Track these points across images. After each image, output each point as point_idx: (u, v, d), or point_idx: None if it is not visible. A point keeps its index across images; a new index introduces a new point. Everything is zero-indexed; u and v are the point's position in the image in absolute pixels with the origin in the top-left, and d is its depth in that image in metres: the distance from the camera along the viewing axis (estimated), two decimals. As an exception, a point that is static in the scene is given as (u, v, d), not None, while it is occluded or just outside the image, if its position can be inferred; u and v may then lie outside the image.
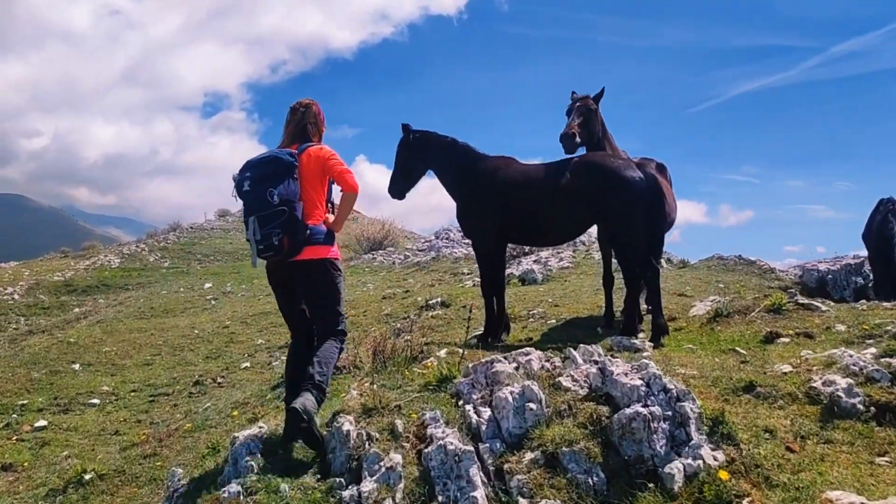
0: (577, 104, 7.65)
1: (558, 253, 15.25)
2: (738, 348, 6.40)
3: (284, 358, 10.43)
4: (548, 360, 4.51)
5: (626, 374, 4.00)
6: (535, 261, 14.52)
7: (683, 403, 3.79)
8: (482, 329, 7.62)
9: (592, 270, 13.80)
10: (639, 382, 3.87)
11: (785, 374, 4.71)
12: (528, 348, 4.70)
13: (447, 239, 24.96)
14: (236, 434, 4.81)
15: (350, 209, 5.00)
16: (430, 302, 11.15)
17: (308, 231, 4.62)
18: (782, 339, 6.45)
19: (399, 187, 7.51)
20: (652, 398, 3.79)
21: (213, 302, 17.15)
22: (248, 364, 9.84)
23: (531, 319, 8.98)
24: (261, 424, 5.74)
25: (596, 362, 4.33)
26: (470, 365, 4.65)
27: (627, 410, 3.70)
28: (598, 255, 15.84)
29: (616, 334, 7.83)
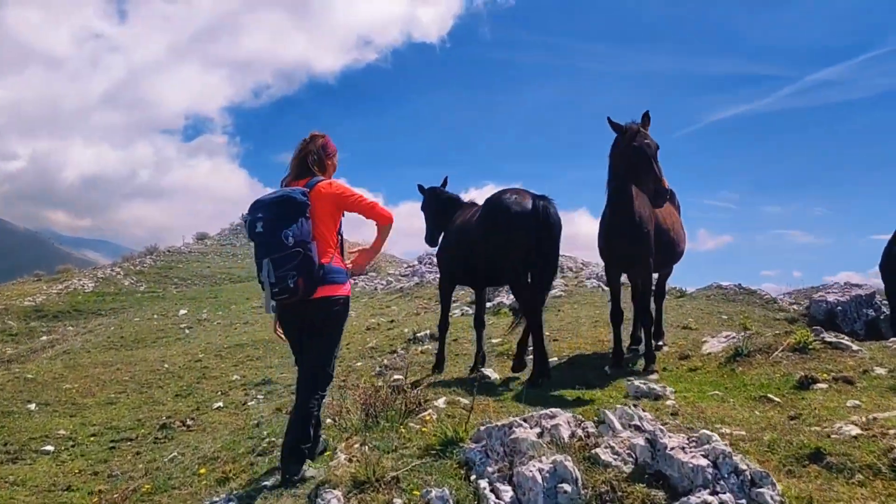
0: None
1: (549, 280, 14.44)
2: (770, 394, 5.63)
3: (261, 396, 9.55)
4: (579, 425, 3.68)
5: (684, 450, 3.17)
6: (524, 289, 13.69)
7: (762, 490, 2.96)
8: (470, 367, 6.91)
9: (586, 300, 13.02)
10: (703, 462, 3.04)
11: (855, 437, 3.91)
12: (553, 409, 3.85)
13: (431, 264, 24.13)
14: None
15: (386, 238, 4.88)
16: (419, 335, 10.28)
17: (322, 271, 4.47)
18: (819, 385, 5.69)
19: (430, 235, 8.49)
20: (721, 482, 2.97)
21: (186, 331, 16.12)
22: (220, 404, 8.87)
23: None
24: (232, 488, 4.87)
25: (639, 429, 3.50)
26: (482, 428, 3.80)
27: (692, 499, 2.87)
28: (589, 284, 15.09)
29: (626, 374, 7.06)
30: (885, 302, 10.50)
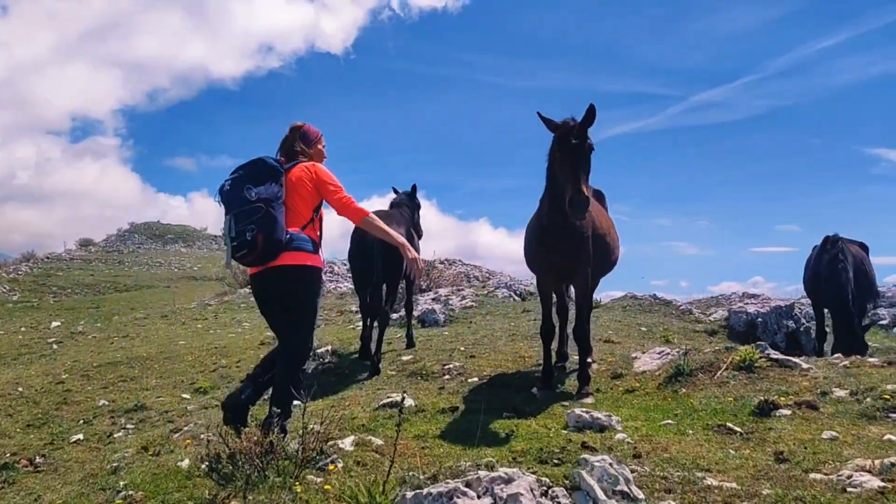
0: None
1: (459, 290, 13.49)
2: (729, 423, 4.83)
3: (130, 426, 8.08)
4: (545, 494, 2.66)
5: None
6: (433, 299, 12.69)
7: None
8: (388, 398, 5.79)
9: (499, 311, 12.14)
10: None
11: (882, 493, 3.06)
12: (507, 470, 2.79)
13: (331, 272, 22.83)
14: None
15: (380, 228, 4.65)
16: (318, 350, 9.07)
17: (288, 235, 4.38)
18: (782, 412, 4.94)
19: None
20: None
21: (54, 346, 14.17)
22: (80, 436, 7.36)
23: (447, 377, 7.11)
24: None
25: (628, 497, 2.51)
26: (408, 496, 2.72)
27: None
28: (500, 294, 14.25)
29: (557, 398, 6.16)
30: (806, 313, 10.16)
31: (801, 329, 9.70)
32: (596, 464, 2.84)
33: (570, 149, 5.26)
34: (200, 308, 19.31)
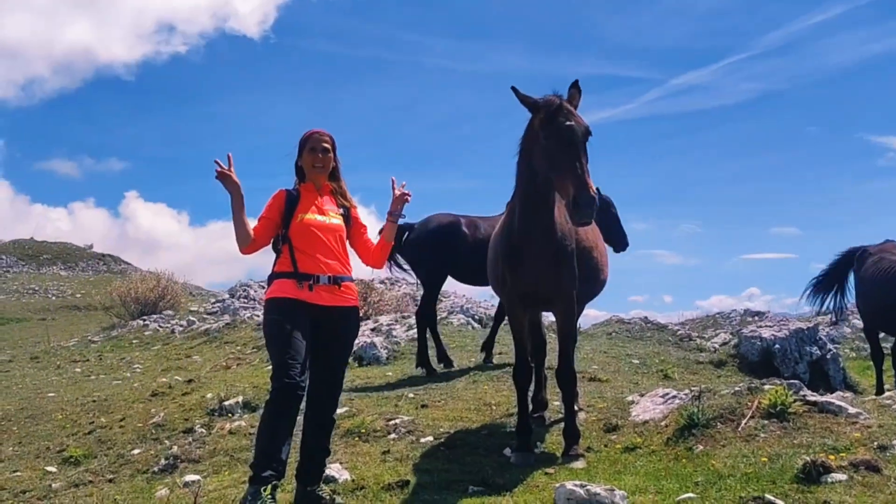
0: None
1: (404, 318, 12.86)
2: (769, 494, 4.34)
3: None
4: None
5: None
6: (373, 329, 12.06)
7: None
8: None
9: (454, 342, 11.56)
10: None
11: None
12: None
13: (246, 297, 22.04)
14: None
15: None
16: (226, 403, 8.35)
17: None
18: (835, 476, 4.46)
19: None
20: None
21: None
22: None
23: (393, 436, 6.49)
24: None
25: None
26: None
27: None
28: (456, 321, 13.71)
29: (535, 459, 5.61)
30: (829, 336, 9.87)
31: (828, 356, 9.40)
32: None
33: (567, 132, 4.74)
34: (81, 346, 18.33)
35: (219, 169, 4.82)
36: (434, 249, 9.24)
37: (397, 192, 5.17)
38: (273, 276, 4.88)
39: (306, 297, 4.71)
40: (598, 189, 9.25)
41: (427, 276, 9.60)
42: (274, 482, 4.31)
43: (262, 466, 4.36)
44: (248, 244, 4.86)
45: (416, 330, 11.79)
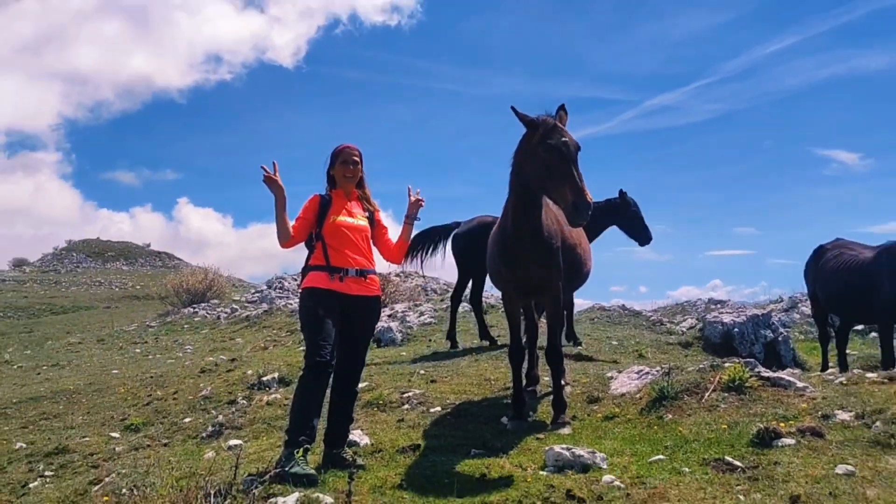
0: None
1: (416, 306, 12.87)
2: (728, 456, 4.33)
3: (50, 473, 7.27)
4: None
5: None
6: (389, 316, 12.07)
7: None
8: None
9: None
10: None
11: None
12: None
13: (281, 288, 22.04)
14: None
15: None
16: (264, 379, 8.39)
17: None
18: (785, 441, 4.45)
19: None
20: None
21: (-26, 379, 13.15)
22: (-13, 488, 6.57)
23: (407, 406, 6.51)
24: None
25: None
26: None
27: None
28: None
29: (529, 428, 5.61)
30: (780, 321, 9.83)
31: (780, 338, 9.35)
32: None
33: (564, 147, 4.74)
34: (140, 330, 18.37)
35: (266, 174, 4.84)
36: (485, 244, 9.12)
37: (412, 198, 5.26)
38: (307, 269, 4.89)
39: (337, 287, 4.72)
40: (624, 191, 9.39)
41: (478, 267, 8.85)
42: (305, 446, 4.33)
43: (296, 432, 4.38)
44: (287, 240, 4.87)
45: (426, 316, 11.83)
